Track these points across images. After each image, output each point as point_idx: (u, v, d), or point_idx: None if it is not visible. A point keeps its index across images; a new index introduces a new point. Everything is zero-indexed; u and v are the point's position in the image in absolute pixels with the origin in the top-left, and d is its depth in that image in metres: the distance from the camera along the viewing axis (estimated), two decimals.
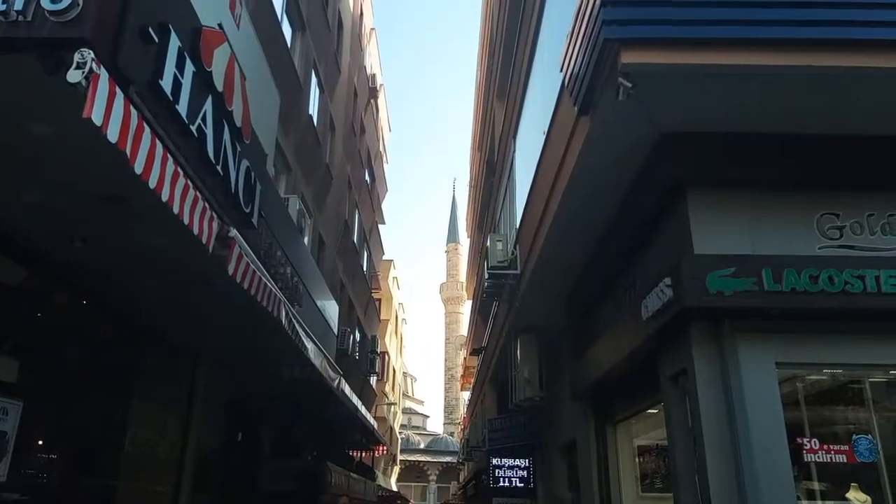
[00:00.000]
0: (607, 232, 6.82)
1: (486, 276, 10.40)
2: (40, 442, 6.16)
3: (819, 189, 5.24)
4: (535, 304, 9.36)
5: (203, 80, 4.86)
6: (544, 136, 7.29)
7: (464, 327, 49.89)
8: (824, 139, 5.12)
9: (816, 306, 4.69)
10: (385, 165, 30.72)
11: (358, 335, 19.77)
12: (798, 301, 4.67)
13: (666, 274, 5.08)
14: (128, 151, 3.44)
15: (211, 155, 4.94)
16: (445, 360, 63.64)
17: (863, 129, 5.02)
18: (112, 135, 3.29)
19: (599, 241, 7.08)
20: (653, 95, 4.70)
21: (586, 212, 6.49)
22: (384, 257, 31.33)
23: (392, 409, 34.68)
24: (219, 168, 5.09)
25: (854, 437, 4.86)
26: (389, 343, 33.02)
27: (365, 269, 23.06)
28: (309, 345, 7.47)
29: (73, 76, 3.11)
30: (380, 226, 28.85)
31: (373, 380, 23.40)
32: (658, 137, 5.24)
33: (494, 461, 13.23)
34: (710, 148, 5.20)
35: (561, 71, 5.64)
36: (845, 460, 4.79)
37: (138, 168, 3.55)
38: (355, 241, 20.44)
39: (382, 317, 30.27)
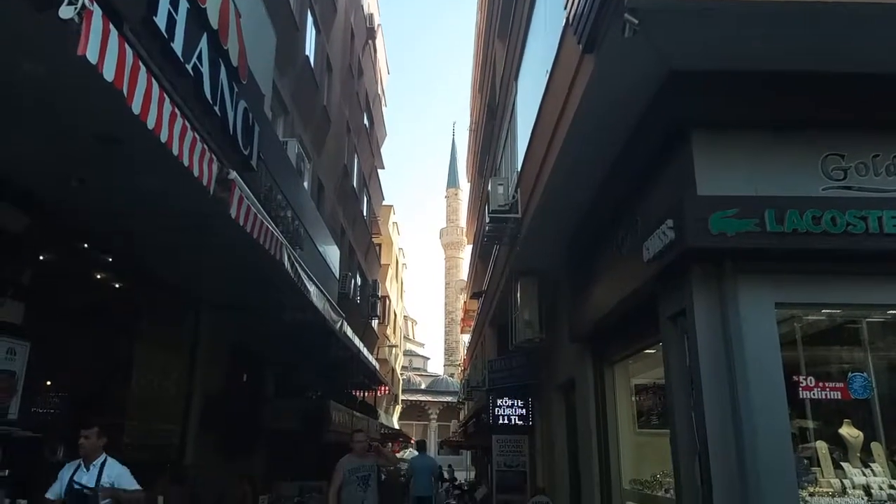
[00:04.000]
0: (610, 174, 6.77)
1: (487, 220, 10.39)
2: (48, 382, 6.28)
3: (824, 129, 5.18)
4: (535, 247, 9.38)
5: (198, 18, 4.74)
6: (547, 77, 7.15)
7: (463, 272, 50.19)
8: (831, 78, 5.02)
9: (818, 247, 4.69)
10: (384, 109, 30.26)
11: (359, 279, 19.88)
12: (800, 242, 4.67)
13: (668, 215, 5.07)
14: (124, 90, 3.38)
15: (208, 95, 4.85)
16: (445, 304, 64.29)
17: (870, 68, 4.92)
18: (108, 73, 3.22)
19: (602, 184, 7.04)
20: (658, 32, 4.58)
21: (589, 154, 6.42)
22: (384, 202, 31.22)
23: (393, 352, 35.25)
24: (216, 108, 5.02)
25: (850, 374, 4.95)
26: (390, 287, 33.27)
27: (365, 213, 23.00)
28: (311, 288, 7.51)
29: (66, 12, 3.02)
30: (379, 171, 28.63)
31: (374, 323, 23.67)
32: (663, 77, 5.14)
33: (494, 400, 13.53)
34: (715, 88, 5.11)
35: (565, 8, 5.49)
36: (840, 397, 4.90)
37: (136, 108, 3.49)
38: (355, 185, 20.32)
39: (383, 261, 30.41)
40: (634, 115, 5.69)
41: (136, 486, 4.94)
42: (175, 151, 3.92)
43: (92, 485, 4.74)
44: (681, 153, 5.28)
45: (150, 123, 3.65)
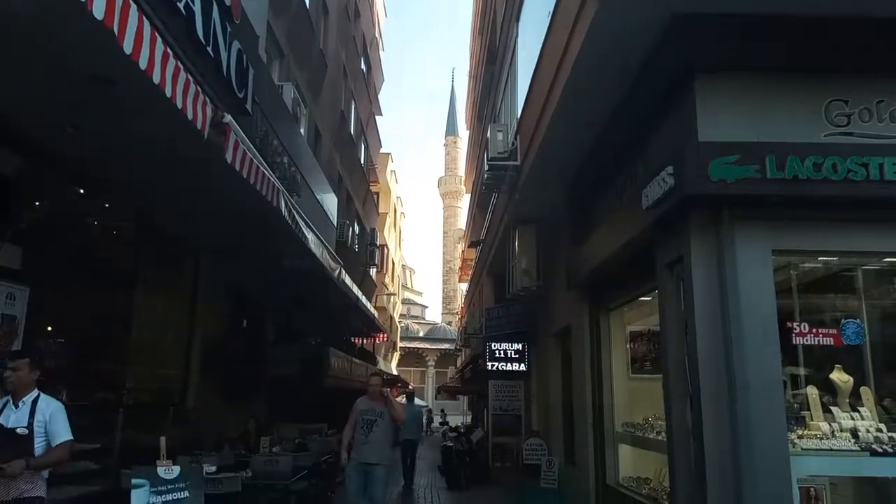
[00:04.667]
0: (611, 120, 6.68)
1: (486, 167, 10.32)
2: (49, 328, 6.32)
3: (829, 75, 5.10)
4: (534, 195, 9.34)
5: None
6: (549, 19, 6.98)
7: (462, 221, 50.19)
8: (836, 22, 4.90)
9: (818, 194, 4.68)
10: (381, 53, 29.62)
11: (357, 228, 19.84)
12: (800, 189, 4.66)
13: (668, 162, 5.03)
14: (115, 29, 3.28)
15: (200, 34, 4.73)
16: (443, 253, 64.48)
17: (877, 12, 4.80)
18: (98, 11, 3.13)
19: (603, 130, 6.96)
20: None
21: (591, 99, 6.31)
22: (381, 150, 30.88)
23: (392, 300, 35.53)
24: (209, 49, 4.90)
25: (843, 320, 5.01)
26: (388, 236, 33.29)
27: (362, 161, 22.79)
28: (309, 235, 7.50)
29: None
30: (377, 117, 28.23)
31: (372, 271, 23.77)
32: (666, 20, 5.01)
33: (491, 347, 13.72)
34: (719, 32, 5.00)
35: None
36: (832, 343, 4.97)
37: (127, 47, 3.40)
38: (352, 132, 20.06)
39: (381, 210, 30.32)
40: (637, 59, 5.57)
41: (68, 435, 4.19)
42: (168, 93, 3.84)
43: (23, 424, 4.10)
44: (683, 99, 5.20)
45: (143, 64, 3.57)
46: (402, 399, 15.09)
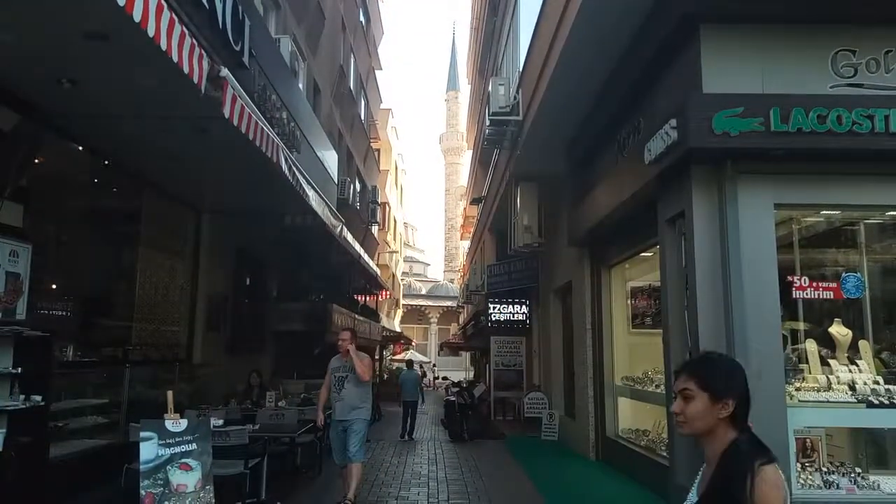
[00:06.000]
0: (614, 73, 6.57)
1: (488, 122, 10.20)
2: (54, 286, 6.35)
3: (837, 24, 4.99)
4: (536, 150, 9.26)
5: None
6: None
7: (464, 178, 49.92)
8: None
9: (822, 147, 4.64)
10: (380, 4, 28.95)
11: (358, 185, 19.72)
12: (803, 141, 4.61)
13: (672, 115, 4.97)
14: None
15: None
16: (445, 210, 64.29)
17: None
18: None
19: (606, 83, 6.85)
20: None
21: (594, 51, 6.21)
22: (382, 106, 30.45)
23: (394, 258, 35.57)
24: (204, 0, 4.78)
25: (843, 274, 5.02)
26: (390, 193, 33.12)
27: (363, 117, 22.51)
28: (310, 192, 7.44)
29: None
30: (377, 72, 27.76)
31: (374, 229, 23.74)
32: None
33: (493, 303, 13.82)
34: None
35: None
36: (832, 297, 4.99)
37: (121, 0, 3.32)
38: (352, 87, 19.75)
39: (382, 167, 30.06)
40: (642, 8, 5.45)
41: None
42: (164, 46, 3.76)
43: None
44: (688, 49, 5.11)
45: (137, 16, 3.48)
46: (405, 354, 15.34)
